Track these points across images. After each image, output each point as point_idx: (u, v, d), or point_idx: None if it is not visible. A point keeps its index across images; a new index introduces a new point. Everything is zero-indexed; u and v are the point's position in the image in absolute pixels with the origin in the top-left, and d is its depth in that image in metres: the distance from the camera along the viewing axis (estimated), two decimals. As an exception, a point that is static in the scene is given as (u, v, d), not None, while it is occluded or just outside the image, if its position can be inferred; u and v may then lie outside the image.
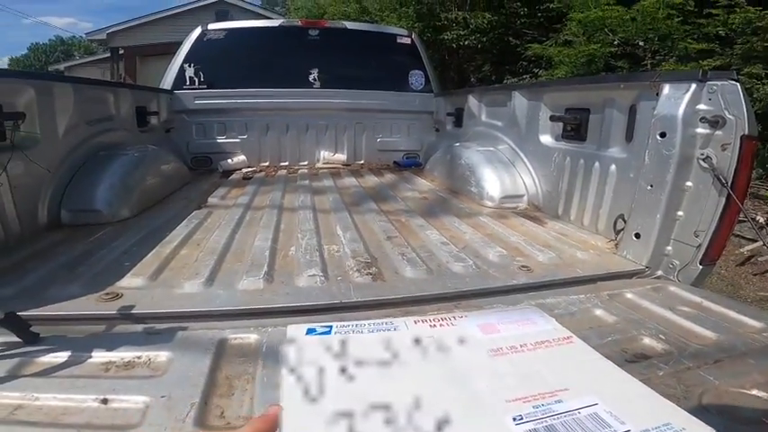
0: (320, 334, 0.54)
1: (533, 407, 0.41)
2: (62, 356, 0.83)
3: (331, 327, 0.56)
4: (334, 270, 1.29)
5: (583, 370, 0.50)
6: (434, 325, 0.56)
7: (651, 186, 1.39)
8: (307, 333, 0.56)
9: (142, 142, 2.53)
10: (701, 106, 1.29)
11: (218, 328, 0.96)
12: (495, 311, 0.63)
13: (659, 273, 1.40)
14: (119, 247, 1.46)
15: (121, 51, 12.81)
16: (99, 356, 0.84)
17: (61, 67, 17.14)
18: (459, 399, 0.42)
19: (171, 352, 0.85)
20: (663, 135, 1.35)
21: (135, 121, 2.65)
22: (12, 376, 0.76)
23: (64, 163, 1.83)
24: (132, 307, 1.05)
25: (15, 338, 0.86)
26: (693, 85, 1.30)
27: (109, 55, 13.64)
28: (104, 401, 0.71)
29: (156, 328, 0.96)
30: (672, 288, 1.25)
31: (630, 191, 1.49)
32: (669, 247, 1.39)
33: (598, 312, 1.09)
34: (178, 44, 3.33)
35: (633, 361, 0.87)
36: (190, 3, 13.43)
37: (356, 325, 0.55)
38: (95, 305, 1.06)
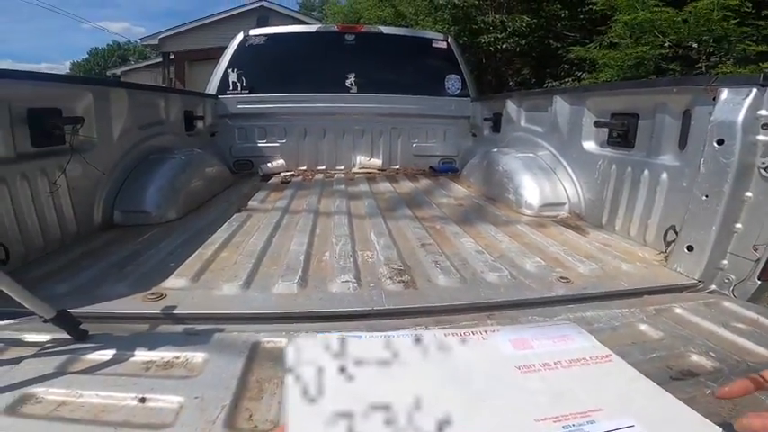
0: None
1: (563, 427, 0.39)
2: (107, 354, 0.87)
3: (361, 336, 0.56)
4: (367, 276, 1.29)
5: (620, 389, 0.47)
6: (465, 338, 0.54)
7: (707, 197, 1.30)
8: None
9: (189, 146, 2.64)
10: (763, 112, 1.20)
11: (252, 330, 0.97)
12: (531, 326, 0.60)
13: (712, 287, 1.30)
14: (165, 248, 1.52)
15: (172, 56, 13.46)
16: (141, 355, 0.87)
17: (117, 71, 18.16)
18: (486, 417, 0.41)
19: (207, 353, 0.88)
20: (720, 142, 1.26)
21: (183, 126, 2.78)
22: (60, 372, 0.80)
23: (118, 166, 1.94)
24: (174, 307, 1.09)
25: (66, 335, 0.90)
26: (754, 90, 1.21)
27: (161, 60, 14.39)
28: (142, 400, 0.73)
29: (195, 329, 0.99)
30: (726, 303, 1.16)
31: (683, 201, 1.40)
32: (725, 261, 1.29)
33: (642, 327, 1.02)
34: (222, 49, 3.47)
35: (679, 378, 0.82)
36: (233, 9, 13.99)
37: (384, 336, 0.54)
38: (141, 304, 1.11)
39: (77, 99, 1.71)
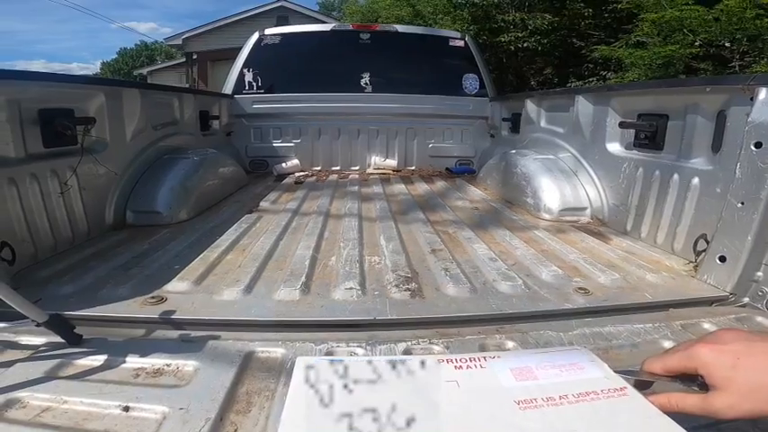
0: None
1: None
2: (98, 360, 0.85)
3: (343, 360, 0.51)
4: (373, 284, 1.23)
5: (633, 430, 0.40)
6: (460, 366, 0.49)
7: (742, 204, 1.20)
8: None
9: (204, 146, 2.64)
10: (806, 112, 1.09)
11: (247, 339, 0.93)
12: (536, 352, 0.55)
13: (745, 300, 1.20)
14: (172, 250, 1.51)
15: (195, 56, 13.75)
16: (132, 362, 0.84)
17: (144, 71, 18.66)
18: None
19: (199, 361, 0.84)
20: (758, 145, 1.16)
21: (198, 125, 2.79)
22: (48, 377, 0.78)
23: (131, 166, 1.95)
24: (173, 312, 1.06)
25: (61, 339, 0.88)
26: (797, 89, 1.10)
27: (185, 60, 14.75)
28: (126, 409, 0.71)
29: (191, 336, 0.96)
30: (759, 318, 1.07)
31: (716, 208, 1.29)
32: (760, 273, 1.19)
33: (667, 345, 0.93)
34: (241, 49, 3.49)
35: None
36: (252, 8, 14.24)
37: (369, 361, 0.50)
38: (140, 308, 1.09)
39: (89, 99, 1.72)
